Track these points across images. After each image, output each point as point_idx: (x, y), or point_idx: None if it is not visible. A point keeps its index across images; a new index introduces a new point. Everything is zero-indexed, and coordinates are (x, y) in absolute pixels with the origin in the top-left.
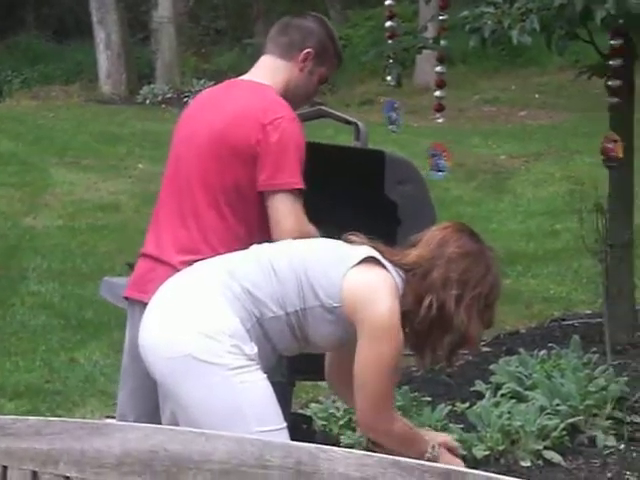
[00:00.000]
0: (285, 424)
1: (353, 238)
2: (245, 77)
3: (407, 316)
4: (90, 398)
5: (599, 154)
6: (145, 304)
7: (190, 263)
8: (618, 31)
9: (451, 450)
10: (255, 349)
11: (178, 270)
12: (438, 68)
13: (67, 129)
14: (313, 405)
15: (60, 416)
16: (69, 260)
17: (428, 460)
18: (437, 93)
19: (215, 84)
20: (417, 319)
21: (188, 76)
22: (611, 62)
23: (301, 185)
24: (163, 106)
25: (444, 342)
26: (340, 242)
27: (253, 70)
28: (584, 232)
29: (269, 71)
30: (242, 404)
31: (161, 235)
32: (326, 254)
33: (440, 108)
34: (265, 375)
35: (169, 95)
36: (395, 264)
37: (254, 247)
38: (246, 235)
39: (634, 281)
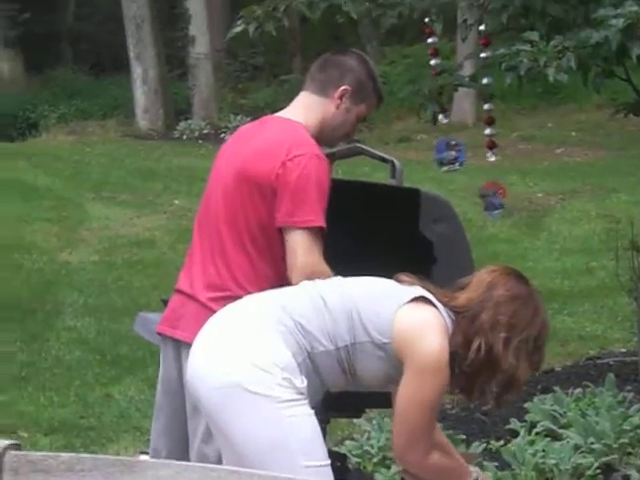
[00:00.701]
0: (329, 461)
1: (404, 278)
2: (280, 113)
3: (456, 357)
4: (124, 434)
5: (636, 192)
6: (175, 340)
7: (218, 300)
8: None
9: None
10: (305, 382)
11: (207, 307)
12: (486, 106)
13: (103, 164)
14: (348, 442)
15: (94, 452)
16: (104, 295)
17: None
18: (487, 131)
19: (252, 120)
20: (466, 361)
21: (225, 112)
22: None
23: (321, 223)
24: (200, 142)
25: (492, 384)
26: (391, 281)
27: (289, 107)
28: (620, 270)
29: (303, 108)
30: (290, 437)
31: (192, 272)
32: (377, 291)
33: (492, 145)
34: (312, 410)
35: (206, 131)
36: (445, 305)
37: (305, 282)
38: (274, 273)
39: None
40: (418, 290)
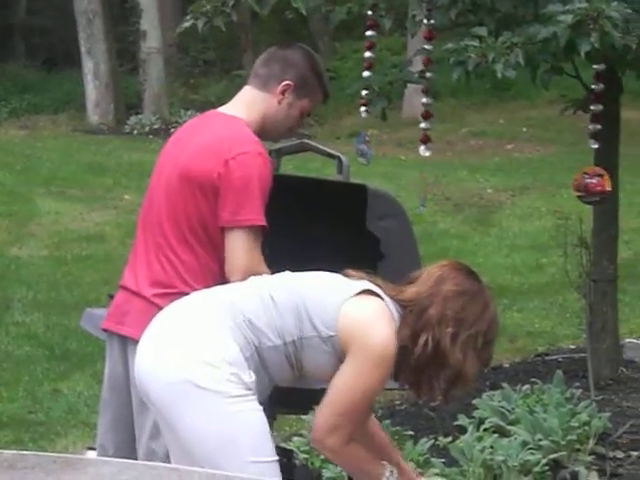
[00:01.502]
0: (276, 457)
1: (352, 272)
2: (222, 109)
3: (404, 352)
4: (73, 429)
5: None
6: (121, 336)
7: (164, 296)
8: (604, 60)
9: None
10: (253, 377)
11: (153, 303)
12: (424, 100)
13: (54, 159)
14: (296, 439)
15: (43, 447)
16: (54, 290)
17: None
18: (423, 125)
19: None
20: (413, 356)
21: (176, 107)
22: (594, 87)
23: (263, 222)
24: (150, 137)
25: (440, 379)
26: (339, 275)
27: (232, 102)
28: (569, 266)
29: (245, 103)
30: (238, 433)
31: (137, 268)
32: (324, 285)
33: (426, 140)
34: (261, 406)
35: (156, 126)
36: (393, 299)
37: (253, 278)
38: (219, 268)
39: (618, 316)
40: (365, 284)
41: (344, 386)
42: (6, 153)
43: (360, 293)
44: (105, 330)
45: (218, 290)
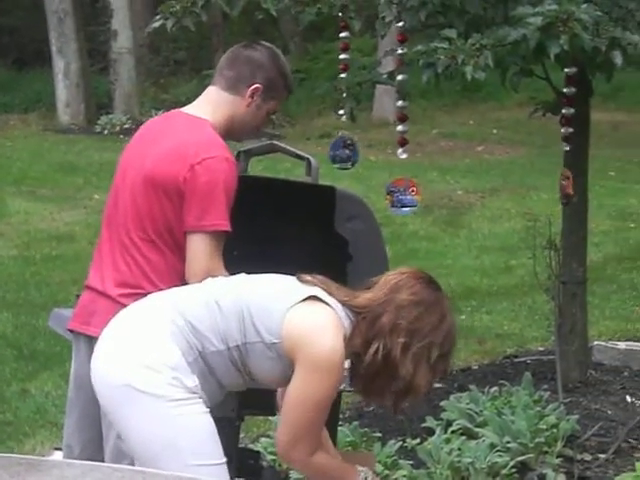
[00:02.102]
0: (225, 459)
1: (306, 278)
2: (187, 108)
3: (356, 358)
4: (40, 429)
5: (555, 190)
6: (87, 336)
7: (130, 296)
8: (574, 62)
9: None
10: (197, 382)
11: (119, 303)
12: (399, 102)
13: (24, 158)
14: (263, 440)
15: (11, 447)
16: (23, 290)
17: None
18: (399, 127)
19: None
20: (363, 364)
21: (147, 107)
22: (565, 90)
23: (227, 227)
24: (121, 136)
25: (390, 389)
26: (292, 279)
27: (197, 102)
28: (538, 268)
29: (212, 104)
30: (178, 436)
31: (103, 269)
32: (272, 291)
33: (403, 142)
34: (207, 409)
35: (127, 125)
36: (345, 305)
37: (206, 280)
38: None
39: (587, 318)
40: (315, 290)
41: (296, 400)
42: None
43: (308, 299)
44: (71, 330)
45: (167, 293)
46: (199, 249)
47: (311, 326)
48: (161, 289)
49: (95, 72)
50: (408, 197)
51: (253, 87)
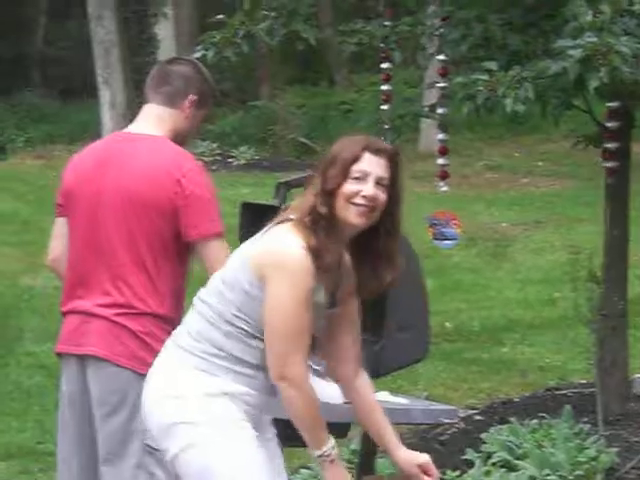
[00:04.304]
0: None
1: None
2: (133, 129)
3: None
4: None
5: (600, 223)
6: (79, 356)
7: (124, 315)
8: (615, 95)
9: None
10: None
11: (114, 322)
12: (440, 136)
13: None
14: (303, 471)
15: (52, 477)
16: None
17: (320, 457)
18: (440, 160)
19: (218, 146)
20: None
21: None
22: (608, 124)
23: (222, 227)
24: None
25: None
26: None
27: (138, 121)
28: (580, 301)
29: (156, 120)
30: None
31: (89, 292)
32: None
33: (444, 175)
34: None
35: None
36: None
37: (195, 300)
38: (173, 282)
39: (629, 351)
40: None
41: (272, 310)
42: (21, 183)
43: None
44: (59, 354)
45: (183, 324)
46: (221, 254)
47: (268, 242)
48: (153, 309)
49: (142, 103)
50: (450, 230)
51: (189, 99)
